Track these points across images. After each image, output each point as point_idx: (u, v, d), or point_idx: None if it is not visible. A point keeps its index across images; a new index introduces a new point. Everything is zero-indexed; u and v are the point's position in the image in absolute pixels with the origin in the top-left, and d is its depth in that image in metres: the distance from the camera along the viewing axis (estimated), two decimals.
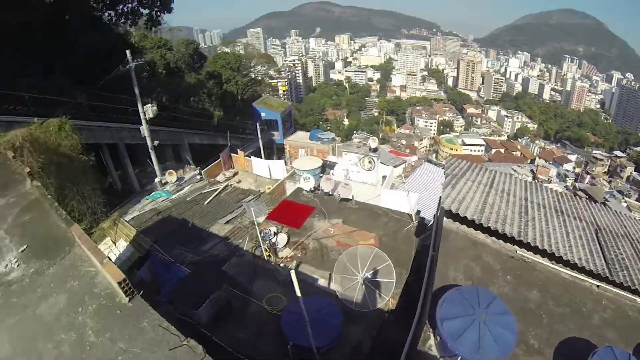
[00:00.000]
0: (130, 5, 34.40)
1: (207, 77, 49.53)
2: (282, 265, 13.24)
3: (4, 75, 21.86)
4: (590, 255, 9.06)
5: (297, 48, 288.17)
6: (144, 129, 24.15)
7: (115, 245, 16.97)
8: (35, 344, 4.88)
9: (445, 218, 10.29)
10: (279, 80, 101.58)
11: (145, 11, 35.63)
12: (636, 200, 77.24)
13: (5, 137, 14.18)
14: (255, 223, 13.84)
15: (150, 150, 24.74)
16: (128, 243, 16.94)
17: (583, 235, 10.20)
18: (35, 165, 13.77)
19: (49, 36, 26.51)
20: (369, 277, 11.43)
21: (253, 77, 61.65)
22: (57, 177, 15.61)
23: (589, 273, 8.66)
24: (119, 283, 5.13)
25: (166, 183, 24.74)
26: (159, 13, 36.19)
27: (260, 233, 13.86)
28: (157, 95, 34.11)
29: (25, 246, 6.53)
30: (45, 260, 6.11)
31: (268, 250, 13.76)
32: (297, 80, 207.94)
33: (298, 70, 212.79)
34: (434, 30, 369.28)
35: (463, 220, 9.85)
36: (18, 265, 6.14)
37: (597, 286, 8.61)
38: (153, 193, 23.43)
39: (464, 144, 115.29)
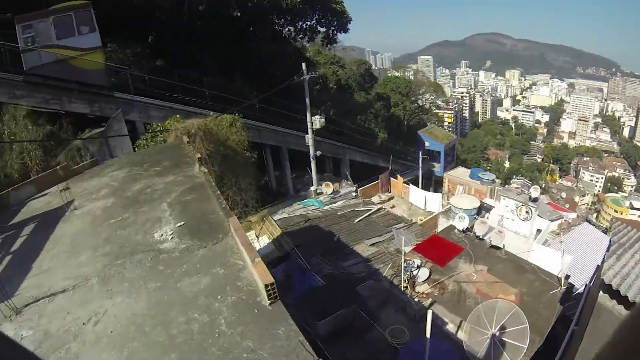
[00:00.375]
0: (309, 22, 38.14)
1: (375, 98, 50.83)
2: (416, 299, 13.31)
3: (194, 73, 25.84)
4: None
5: (466, 80, 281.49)
6: (309, 138, 25.62)
7: (257, 240, 18.23)
8: (169, 312, 5.23)
9: (601, 292, 9.35)
10: (445, 111, 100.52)
11: (323, 29, 39.26)
12: None
13: (184, 123, 17.03)
14: (403, 252, 14.06)
15: (311, 159, 26.10)
16: (270, 241, 18.09)
17: None
18: (204, 152, 15.54)
19: (235, 44, 30.51)
20: (501, 335, 10.99)
21: (421, 104, 61.65)
22: (220, 166, 17.45)
23: None
24: (266, 285, 5.21)
25: (320, 193, 25.76)
26: (335, 32, 39.34)
27: (403, 262, 14.05)
28: (325, 108, 35.98)
29: (182, 222, 7.22)
30: (197, 241, 6.64)
31: (407, 281, 13.90)
32: (464, 114, 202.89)
33: (465, 103, 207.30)
34: (613, 69, 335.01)
35: (623, 300, 8.77)
36: (172, 238, 6.80)
37: None
38: (306, 200, 24.58)
39: (632, 208, 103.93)
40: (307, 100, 25.04)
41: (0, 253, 8.23)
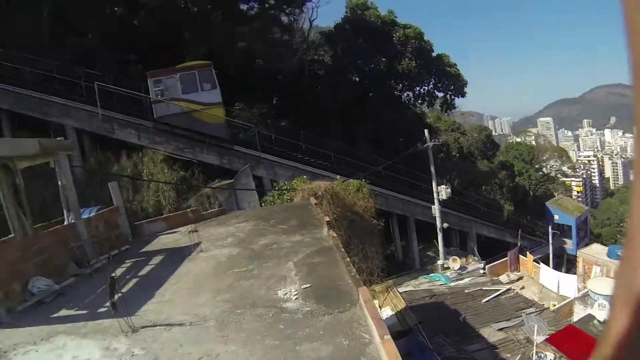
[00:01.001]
0: (426, 87, 39.28)
1: (498, 166, 49.25)
2: None
3: (317, 135, 27.03)
4: None
5: (590, 141, 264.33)
6: (435, 209, 25.08)
7: (379, 310, 17.93)
8: None
9: None
10: (573, 178, 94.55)
11: (440, 94, 39.92)
12: None
13: (311, 184, 17.47)
14: (535, 342, 13.33)
15: (438, 232, 25.47)
16: (393, 313, 17.69)
17: None
18: (331, 216, 15.67)
19: (355, 108, 32.65)
20: None
21: (546, 172, 58.67)
22: (347, 231, 17.51)
23: None
24: None
25: (447, 268, 24.92)
26: (453, 96, 39.79)
27: (535, 354, 13.26)
28: (450, 177, 35.61)
29: (308, 285, 7.12)
30: (323, 306, 6.41)
31: None
32: (593, 180, 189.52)
33: (594, 168, 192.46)
34: None
35: None
36: (296, 299, 6.70)
37: None
38: (432, 274, 23.88)
39: None
40: (432, 169, 24.79)
41: (129, 274, 9.19)
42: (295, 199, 17.46)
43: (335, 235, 9.40)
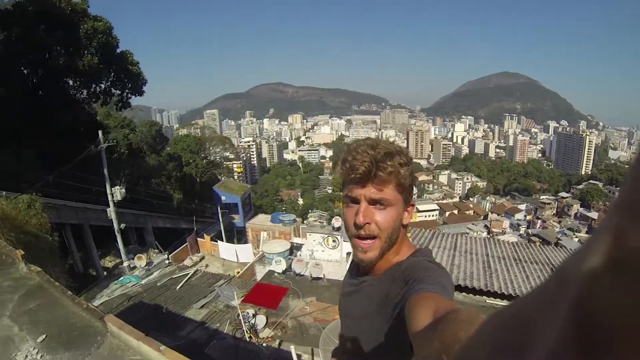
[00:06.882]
0: (103, 85, 35.20)
1: (167, 159, 49.70)
2: (264, 344, 13.42)
3: None
4: None
5: (251, 129, 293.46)
6: (111, 211, 23.97)
7: None
8: None
9: None
10: (234, 162, 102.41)
11: (117, 92, 36.56)
12: (586, 233, 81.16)
13: None
14: (237, 306, 14.10)
15: (116, 234, 24.41)
16: None
17: (541, 275, 11.68)
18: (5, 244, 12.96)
19: (24, 110, 26.40)
20: None
21: (211, 159, 62.06)
22: (25, 258, 15.14)
23: None
24: None
25: (134, 268, 24.18)
26: (129, 95, 37.21)
27: (239, 315, 14.08)
28: (121, 176, 34.00)
29: (44, 336, 6.02)
30: (75, 350, 5.72)
31: (249, 331, 13.94)
32: (252, 162, 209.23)
33: (253, 151, 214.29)
34: (383, 104, 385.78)
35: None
36: (42, 357, 5.68)
37: None
38: (122, 278, 22.55)
39: (418, 211, 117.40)
40: (106, 171, 23.25)
41: None
42: None
43: (39, 269, 7.93)
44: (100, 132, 23.37)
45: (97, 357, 5.55)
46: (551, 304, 0.28)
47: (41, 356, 5.64)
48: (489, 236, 39.28)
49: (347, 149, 1.56)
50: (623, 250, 0.22)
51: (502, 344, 0.34)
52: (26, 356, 5.64)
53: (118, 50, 34.99)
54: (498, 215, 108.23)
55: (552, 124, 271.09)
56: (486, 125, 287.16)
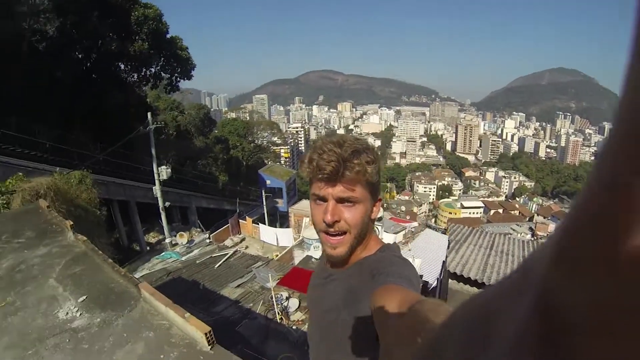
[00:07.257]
0: (153, 69, 36.32)
1: (214, 141, 50.56)
2: (294, 327, 13.71)
3: (27, 123, 22.23)
4: None
5: (300, 115, 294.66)
6: (157, 190, 24.61)
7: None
8: None
9: (450, 280, 11.11)
10: (281, 147, 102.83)
11: (167, 76, 37.55)
12: None
13: (30, 182, 14.33)
14: (272, 288, 14.41)
15: (161, 211, 25.09)
16: None
17: None
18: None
19: (78, 92, 27.97)
20: None
21: (258, 144, 62.91)
22: (74, 228, 15.83)
23: None
24: (205, 334, 5.29)
25: (176, 244, 24.98)
26: (178, 79, 38.08)
27: (273, 297, 14.40)
28: (168, 156, 34.95)
29: (84, 296, 6.55)
30: (111, 311, 6.13)
31: (280, 313, 14.25)
32: (300, 148, 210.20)
33: (301, 137, 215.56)
34: (433, 96, 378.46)
35: (467, 281, 10.70)
36: (80, 315, 6.13)
37: None
38: (163, 253, 23.49)
39: (463, 207, 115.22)
40: (153, 151, 24.08)
41: None
42: (13, 203, 13.93)
43: (85, 238, 8.36)
44: (149, 114, 24.06)
45: (129, 319, 5.96)
46: (517, 294, 0.28)
47: (80, 314, 6.10)
48: (533, 239, 38.43)
49: (313, 147, 1.57)
50: (576, 242, 0.23)
51: (470, 333, 0.35)
52: (67, 313, 6.11)
53: (168, 36, 35.81)
54: (544, 217, 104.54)
55: (608, 126, 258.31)
56: (537, 123, 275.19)
